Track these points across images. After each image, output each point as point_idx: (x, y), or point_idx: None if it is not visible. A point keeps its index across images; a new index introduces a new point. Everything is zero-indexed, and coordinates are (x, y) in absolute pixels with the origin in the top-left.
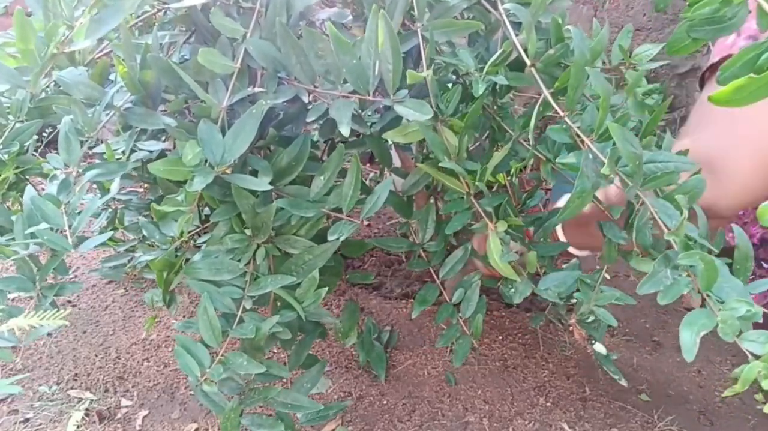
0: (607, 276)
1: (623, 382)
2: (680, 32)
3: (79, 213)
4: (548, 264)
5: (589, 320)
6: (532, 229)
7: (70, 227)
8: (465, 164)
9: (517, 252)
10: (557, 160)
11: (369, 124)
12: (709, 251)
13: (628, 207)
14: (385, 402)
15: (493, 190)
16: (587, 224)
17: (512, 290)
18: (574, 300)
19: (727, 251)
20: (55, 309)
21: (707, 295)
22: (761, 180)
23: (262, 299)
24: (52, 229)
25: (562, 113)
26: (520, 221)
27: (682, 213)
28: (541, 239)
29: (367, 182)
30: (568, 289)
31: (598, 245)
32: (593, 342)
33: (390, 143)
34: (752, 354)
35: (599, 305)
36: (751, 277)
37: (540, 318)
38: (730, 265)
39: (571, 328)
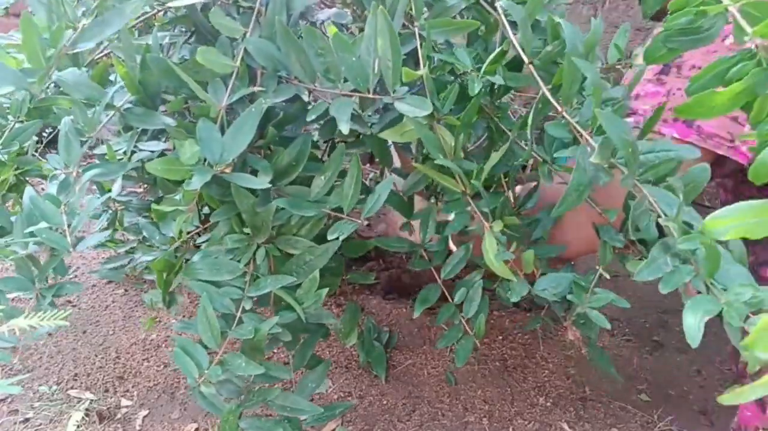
0: (608, 276)
1: (620, 379)
2: (657, 42)
3: (79, 213)
4: (545, 265)
5: (583, 322)
6: None
7: (69, 226)
8: (461, 163)
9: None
10: (555, 154)
11: (369, 124)
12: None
13: (624, 210)
14: (385, 402)
15: (492, 190)
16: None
17: (508, 290)
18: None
19: None
20: (55, 310)
21: (711, 283)
22: None
23: (263, 300)
24: (51, 228)
25: (560, 109)
26: (516, 220)
27: (680, 199)
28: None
29: (367, 182)
30: (564, 290)
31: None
32: (589, 341)
33: (390, 142)
34: None
35: (593, 308)
36: None
37: (537, 321)
38: None
39: (567, 328)
